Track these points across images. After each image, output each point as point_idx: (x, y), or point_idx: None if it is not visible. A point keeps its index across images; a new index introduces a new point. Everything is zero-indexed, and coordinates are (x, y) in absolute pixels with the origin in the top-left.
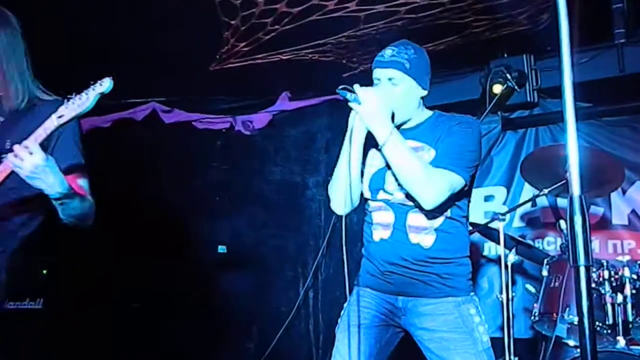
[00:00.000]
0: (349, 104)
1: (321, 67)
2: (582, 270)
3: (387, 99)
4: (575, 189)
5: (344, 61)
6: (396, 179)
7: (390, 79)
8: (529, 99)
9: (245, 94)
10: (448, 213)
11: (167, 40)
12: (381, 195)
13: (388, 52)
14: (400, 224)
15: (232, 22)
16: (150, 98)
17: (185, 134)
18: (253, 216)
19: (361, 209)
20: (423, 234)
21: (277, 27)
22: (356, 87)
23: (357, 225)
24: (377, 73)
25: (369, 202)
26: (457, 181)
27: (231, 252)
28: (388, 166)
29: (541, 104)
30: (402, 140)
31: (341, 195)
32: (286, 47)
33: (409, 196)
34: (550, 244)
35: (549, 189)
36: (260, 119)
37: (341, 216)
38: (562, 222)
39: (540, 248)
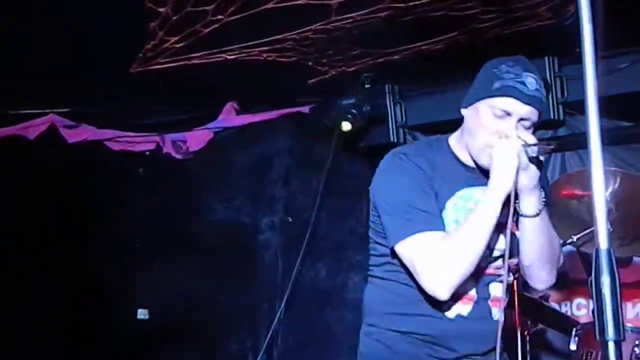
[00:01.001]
0: (533, 156)
1: (279, 71)
2: (611, 346)
3: None
4: (602, 239)
5: (309, 63)
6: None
7: (523, 120)
8: (552, 116)
9: (177, 105)
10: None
11: (72, 32)
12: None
13: (531, 80)
14: (483, 295)
15: (161, 9)
16: (49, 109)
17: (94, 158)
18: (186, 269)
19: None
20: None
21: (220, 17)
22: (533, 143)
23: (326, 281)
24: (510, 105)
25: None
26: None
27: (155, 319)
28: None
29: (568, 123)
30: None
31: (465, 275)
32: (233, 44)
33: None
34: (581, 307)
35: (578, 235)
36: (196, 139)
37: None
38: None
39: (568, 313)
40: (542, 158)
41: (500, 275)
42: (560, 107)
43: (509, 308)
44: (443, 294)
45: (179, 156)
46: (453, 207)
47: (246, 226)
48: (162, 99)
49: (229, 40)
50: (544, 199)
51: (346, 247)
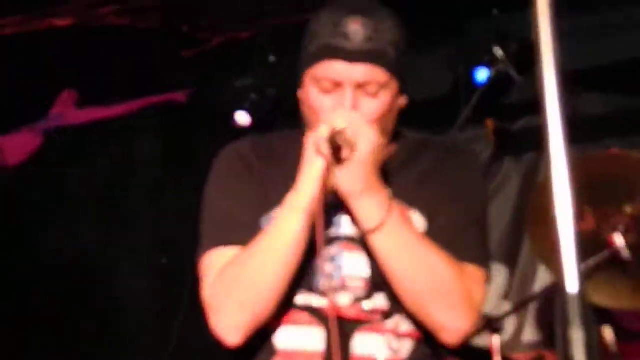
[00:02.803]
0: (320, 150)
1: (139, 41)
2: None
3: (379, 131)
4: (569, 279)
5: (183, 28)
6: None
7: (363, 86)
8: None
9: None
10: (422, 332)
11: None
12: (303, 299)
13: (356, 28)
14: (339, 349)
15: None
16: None
17: None
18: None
19: None
20: None
21: None
22: (341, 116)
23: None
24: (334, 70)
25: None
26: (488, 278)
27: None
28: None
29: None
30: (404, 218)
31: (263, 311)
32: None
33: (374, 311)
34: None
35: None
36: (18, 145)
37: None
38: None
39: None
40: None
41: (379, 321)
42: None
43: None
44: (231, 338)
45: None
46: None
47: (94, 271)
48: None
49: None
50: (389, 206)
51: None
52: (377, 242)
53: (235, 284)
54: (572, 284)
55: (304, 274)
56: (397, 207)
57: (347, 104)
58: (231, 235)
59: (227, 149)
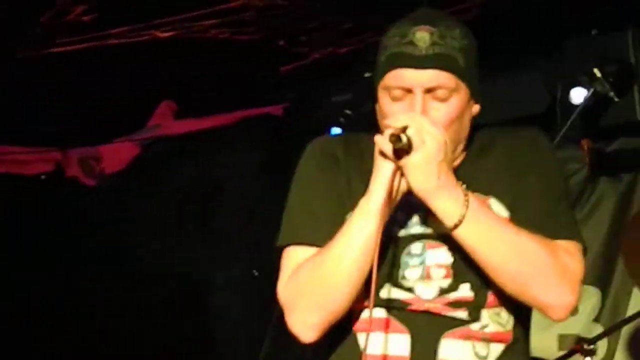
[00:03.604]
0: (385, 154)
1: (237, 54)
2: None
3: (448, 133)
4: None
5: (280, 42)
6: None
7: (431, 90)
8: (639, 116)
9: (86, 106)
10: (510, 335)
11: None
12: (388, 292)
13: (422, 35)
14: (424, 355)
15: None
16: None
17: None
18: (102, 347)
19: None
20: None
21: None
22: (405, 119)
23: None
24: (403, 77)
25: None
26: (583, 252)
27: None
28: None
29: None
30: (485, 209)
31: (334, 310)
32: (168, 15)
33: (461, 301)
34: None
35: None
36: (115, 155)
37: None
38: None
39: None
40: (393, 144)
41: (461, 323)
42: None
43: None
44: (306, 336)
45: (90, 181)
46: None
47: (192, 283)
48: (65, 98)
49: (162, 10)
50: (466, 200)
51: None
52: (462, 236)
53: (309, 284)
54: None
55: (388, 269)
56: (474, 198)
57: (417, 109)
58: (310, 234)
59: (314, 143)
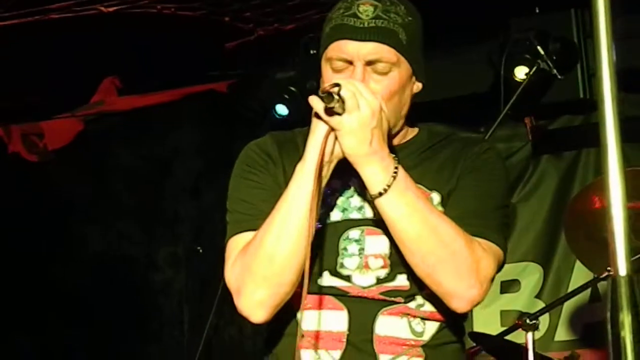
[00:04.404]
0: (319, 115)
1: (182, 32)
2: None
3: (387, 106)
4: (621, 263)
5: (225, 19)
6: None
7: (371, 63)
8: (582, 94)
9: (29, 81)
10: (445, 314)
11: None
12: (328, 281)
13: (366, 8)
14: (361, 335)
15: None
16: None
17: None
18: (48, 326)
19: None
20: (403, 355)
21: None
22: (343, 82)
23: (254, 339)
24: (345, 48)
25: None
26: (501, 262)
27: None
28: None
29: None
30: (412, 183)
31: (280, 282)
32: None
33: (397, 290)
34: None
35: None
36: (58, 131)
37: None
38: None
39: None
40: (328, 104)
41: (397, 303)
42: (593, 82)
43: None
44: (255, 315)
45: (32, 157)
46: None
47: (135, 261)
48: (6, 73)
49: None
50: (395, 171)
51: None
52: (385, 205)
53: (254, 259)
54: (622, 268)
55: (327, 256)
56: (403, 172)
57: (357, 78)
58: (251, 221)
59: (248, 146)
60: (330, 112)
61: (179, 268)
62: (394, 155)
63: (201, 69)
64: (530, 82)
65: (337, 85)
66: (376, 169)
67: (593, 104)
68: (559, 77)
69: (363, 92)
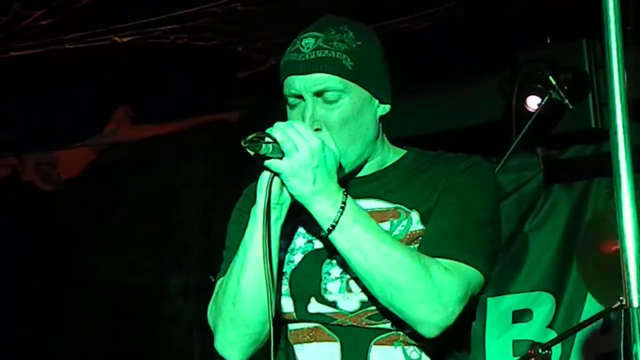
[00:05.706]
0: (265, 163)
1: (194, 60)
2: None
3: (333, 139)
4: (634, 295)
5: (238, 49)
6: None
7: (320, 94)
8: (593, 124)
9: (43, 110)
10: (441, 339)
11: None
12: (315, 307)
13: (307, 41)
14: None
15: None
16: None
17: None
18: (67, 352)
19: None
20: None
21: None
22: (278, 126)
23: None
24: (293, 84)
25: (289, 326)
26: (475, 281)
27: None
28: (332, 254)
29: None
30: (362, 215)
31: (245, 323)
32: (125, 21)
33: (383, 312)
34: None
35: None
36: (71, 161)
37: None
38: None
39: None
40: (266, 152)
41: (388, 331)
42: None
43: None
44: (229, 355)
45: (46, 187)
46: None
47: (145, 291)
48: (20, 103)
49: (119, 15)
50: (342, 207)
51: None
52: (334, 241)
53: (222, 302)
54: (635, 301)
55: (311, 282)
56: (353, 205)
57: (306, 114)
58: (229, 264)
59: (248, 186)
60: (266, 157)
61: (189, 298)
62: (343, 190)
63: (213, 99)
64: (542, 112)
65: (258, 134)
66: (323, 207)
67: (605, 134)
68: (571, 107)
69: (302, 133)
